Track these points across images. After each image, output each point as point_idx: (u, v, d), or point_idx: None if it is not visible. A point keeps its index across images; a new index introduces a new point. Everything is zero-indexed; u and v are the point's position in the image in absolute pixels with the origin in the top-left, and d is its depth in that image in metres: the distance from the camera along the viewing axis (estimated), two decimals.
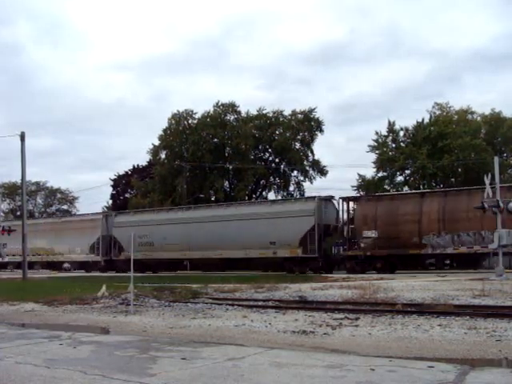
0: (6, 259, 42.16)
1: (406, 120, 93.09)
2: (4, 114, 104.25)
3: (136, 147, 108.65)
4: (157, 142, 56.01)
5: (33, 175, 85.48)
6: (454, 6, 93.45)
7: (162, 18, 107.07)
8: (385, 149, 49.81)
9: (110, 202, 65.52)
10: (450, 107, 52.98)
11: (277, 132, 54.39)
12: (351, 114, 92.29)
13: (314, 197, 32.79)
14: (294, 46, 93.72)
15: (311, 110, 53.87)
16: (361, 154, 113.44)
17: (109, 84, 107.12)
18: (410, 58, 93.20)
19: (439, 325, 8.84)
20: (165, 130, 55.04)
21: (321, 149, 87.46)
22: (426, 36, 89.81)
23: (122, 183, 64.09)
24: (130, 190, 63.31)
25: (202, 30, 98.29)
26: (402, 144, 49.60)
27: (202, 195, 50.86)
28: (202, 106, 61.63)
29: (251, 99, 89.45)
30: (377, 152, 50.11)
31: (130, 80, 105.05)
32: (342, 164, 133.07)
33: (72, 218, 43.92)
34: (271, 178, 56.87)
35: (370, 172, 54.91)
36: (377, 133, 50.43)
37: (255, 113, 54.61)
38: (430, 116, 50.38)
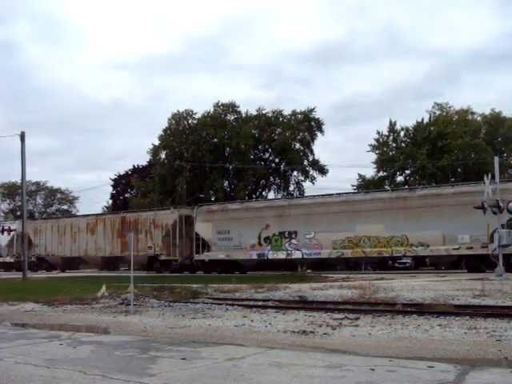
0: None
1: (405, 119, 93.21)
2: (3, 114, 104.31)
3: (135, 147, 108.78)
4: (157, 142, 56.09)
5: (33, 175, 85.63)
6: (452, 5, 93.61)
7: (160, 17, 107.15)
8: (385, 148, 49.84)
9: (110, 201, 65.60)
10: (449, 107, 53.06)
11: (276, 132, 54.42)
12: (350, 114, 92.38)
13: None
14: (292, 45, 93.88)
15: (311, 110, 53.88)
16: (360, 153, 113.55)
17: (107, 83, 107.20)
18: (408, 57, 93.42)
19: (439, 325, 8.84)
20: (165, 130, 55.06)
21: (319, 148, 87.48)
22: (425, 35, 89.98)
23: (121, 183, 64.11)
24: (130, 189, 63.32)
25: (200, 28, 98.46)
26: (402, 144, 49.64)
27: (202, 195, 50.83)
28: (200, 104, 62.01)
29: (250, 98, 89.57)
30: (377, 152, 50.14)
31: (128, 79, 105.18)
32: (341, 163, 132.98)
33: (450, 189, 27.62)
34: (271, 178, 56.87)
35: (369, 171, 54.91)
36: (378, 132, 50.50)
37: (255, 113, 54.66)
38: (430, 116, 50.43)
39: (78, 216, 43.49)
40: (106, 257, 37.27)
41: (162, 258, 33.80)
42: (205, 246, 32.26)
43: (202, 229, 32.55)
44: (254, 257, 30.86)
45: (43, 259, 41.42)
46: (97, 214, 41.64)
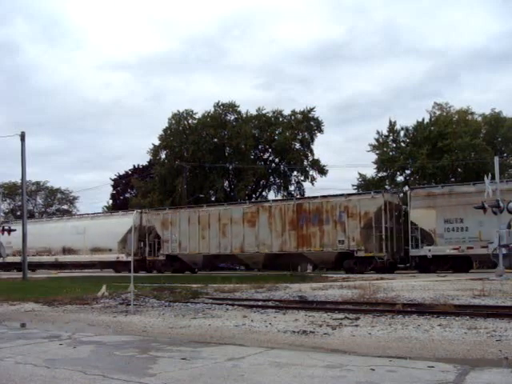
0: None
1: (404, 119, 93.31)
2: (3, 114, 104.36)
3: (135, 147, 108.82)
4: (157, 142, 56.10)
5: (33, 175, 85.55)
6: (452, 5, 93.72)
7: (160, 17, 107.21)
8: (385, 148, 49.83)
9: (110, 201, 65.63)
10: (449, 107, 53.02)
11: (276, 132, 54.42)
12: (350, 114, 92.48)
13: None
14: (292, 44, 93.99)
15: (310, 110, 53.87)
16: (359, 153, 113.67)
17: (107, 83, 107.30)
18: (408, 56, 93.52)
19: (439, 325, 8.84)
20: (165, 130, 55.07)
21: (319, 148, 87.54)
22: (425, 35, 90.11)
23: (122, 183, 64.14)
24: (130, 189, 63.34)
25: (200, 28, 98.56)
26: (402, 144, 49.64)
27: (201, 195, 50.82)
28: (200, 105, 62.06)
29: (250, 98, 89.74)
30: (377, 152, 50.13)
31: (128, 79, 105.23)
32: (341, 163, 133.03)
33: None
34: (271, 178, 56.87)
35: (369, 171, 54.92)
36: (378, 132, 50.50)
37: (255, 113, 54.68)
38: (430, 116, 50.42)
39: (228, 204, 35.04)
40: (272, 254, 30.91)
41: (360, 254, 27.74)
42: (423, 238, 26.98)
43: (421, 217, 26.72)
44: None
45: (175, 257, 34.54)
46: (257, 202, 34.85)
